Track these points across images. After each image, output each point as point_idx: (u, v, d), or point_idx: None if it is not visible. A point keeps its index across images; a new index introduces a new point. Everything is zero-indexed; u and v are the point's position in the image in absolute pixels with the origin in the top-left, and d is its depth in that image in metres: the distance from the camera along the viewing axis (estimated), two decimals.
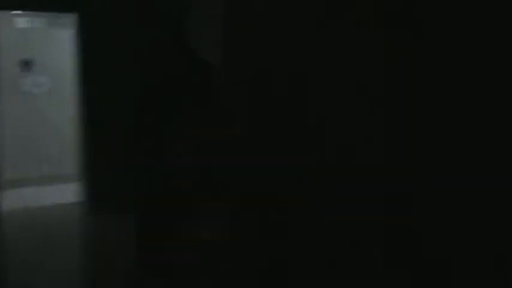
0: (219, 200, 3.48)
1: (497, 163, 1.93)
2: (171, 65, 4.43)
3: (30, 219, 4.92)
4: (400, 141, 2.36)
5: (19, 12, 4.75)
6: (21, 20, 6.86)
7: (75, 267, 3.43)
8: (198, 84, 3.70)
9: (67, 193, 6.36)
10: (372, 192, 2.54)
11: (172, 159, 3.44)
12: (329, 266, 2.84)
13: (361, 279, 2.59)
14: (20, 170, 6.96)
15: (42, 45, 7.04)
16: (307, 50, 3.12)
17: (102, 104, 5.09)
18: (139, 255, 3.40)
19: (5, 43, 6.77)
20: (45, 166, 7.12)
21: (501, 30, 1.93)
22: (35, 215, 5.09)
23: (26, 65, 6.91)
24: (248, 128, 3.56)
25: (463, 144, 2.07)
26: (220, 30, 4.29)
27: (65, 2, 4.91)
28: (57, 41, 7.13)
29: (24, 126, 7.00)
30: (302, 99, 3.11)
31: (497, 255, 1.97)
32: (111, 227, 4.44)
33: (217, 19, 4.35)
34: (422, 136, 2.25)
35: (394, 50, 2.44)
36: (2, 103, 6.80)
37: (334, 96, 2.86)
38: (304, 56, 3.17)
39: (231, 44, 4.06)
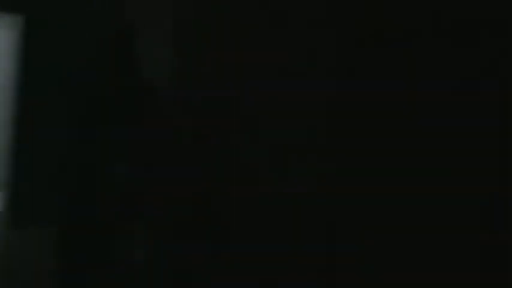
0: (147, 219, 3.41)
1: None
2: (114, 81, 4.35)
3: None
4: None
5: None
6: None
7: None
8: (138, 106, 3.65)
9: None
10: None
11: (102, 174, 3.35)
12: None
13: None
14: None
15: None
16: (256, 86, 3.15)
17: (36, 111, 4.90)
18: (57, 273, 3.25)
19: None
20: None
21: None
22: None
23: None
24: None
25: None
26: (170, 56, 4.25)
27: (8, 1, 4.76)
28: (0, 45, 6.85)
29: None
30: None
31: None
32: (30, 241, 4.23)
33: (168, 44, 4.31)
34: None
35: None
36: None
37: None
38: (253, 93, 3.20)
39: (180, 71, 4.03)
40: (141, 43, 4.54)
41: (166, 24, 4.42)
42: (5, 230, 4.58)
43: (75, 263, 3.29)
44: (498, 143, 1.93)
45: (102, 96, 3.91)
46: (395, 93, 2.31)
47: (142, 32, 4.56)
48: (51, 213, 4.73)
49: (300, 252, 2.74)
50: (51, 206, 4.73)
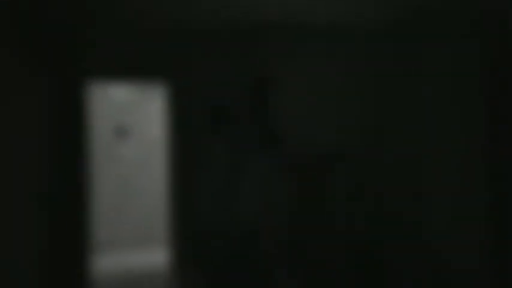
0: None
1: None
2: (250, 128, 4.58)
3: (122, 284, 5.15)
4: None
5: (113, 82, 5.16)
6: (115, 90, 7.40)
7: None
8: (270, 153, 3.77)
9: (154, 257, 6.60)
10: None
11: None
12: None
13: None
14: (111, 234, 7.32)
15: (135, 115, 7.52)
16: None
17: (192, 175, 5.22)
18: None
19: (99, 112, 7.30)
20: (133, 230, 7.45)
21: None
22: (126, 280, 5.31)
23: (119, 134, 7.38)
24: None
25: None
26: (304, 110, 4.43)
27: (157, 72, 5.24)
28: (150, 111, 7.58)
29: (116, 191, 7.40)
30: None
31: None
32: None
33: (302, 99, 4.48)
34: None
35: None
36: (95, 169, 7.26)
37: None
38: None
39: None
40: (278, 95, 4.75)
41: (303, 79, 4.63)
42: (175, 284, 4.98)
43: None
44: None
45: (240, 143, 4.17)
46: None
47: (281, 84, 4.77)
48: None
49: None
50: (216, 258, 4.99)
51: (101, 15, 4.71)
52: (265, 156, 3.44)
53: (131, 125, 7.44)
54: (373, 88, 4.97)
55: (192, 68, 5.30)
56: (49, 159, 4.61)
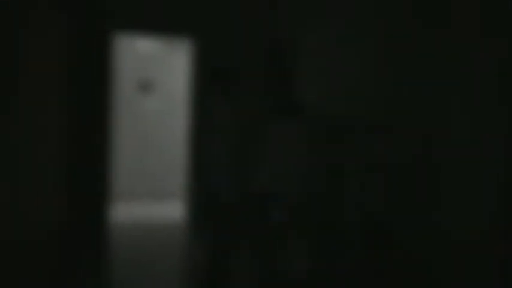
0: None
1: None
2: (268, 91, 4.55)
3: (138, 233, 5.28)
4: None
5: (138, 35, 5.17)
6: (140, 43, 7.40)
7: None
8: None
9: (171, 210, 6.74)
10: None
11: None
12: None
13: None
14: (130, 186, 7.46)
15: (159, 69, 7.53)
16: None
17: (210, 127, 5.31)
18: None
19: (123, 66, 7.33)
20: (152, 183, 7.57)
21: None
22: (142, 230, 5.44)
23: (143, 87, 7.42)
24: None
25: None
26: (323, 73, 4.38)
27: (182, 26, 5.24)
28: (174, 65, 7.58)
29: (137, 144, 7.50)
30: None
31: None
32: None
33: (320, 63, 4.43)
34: None
35: None
36: (117, 122, 7.34)
37: None
38: None
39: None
40: (295, 57, 4.71)
41: (322, 40, 4.56)
42: (190, 237, 5.09)
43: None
44: None
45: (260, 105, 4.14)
46: None
47: (298, 47, 4.72)
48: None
49: None
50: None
51: None
52: (284, 123, 3.43)
53: (155, 79, 7.46)
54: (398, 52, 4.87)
55: (218, 27, 5.28)
56: (72, 110, 4.67)
